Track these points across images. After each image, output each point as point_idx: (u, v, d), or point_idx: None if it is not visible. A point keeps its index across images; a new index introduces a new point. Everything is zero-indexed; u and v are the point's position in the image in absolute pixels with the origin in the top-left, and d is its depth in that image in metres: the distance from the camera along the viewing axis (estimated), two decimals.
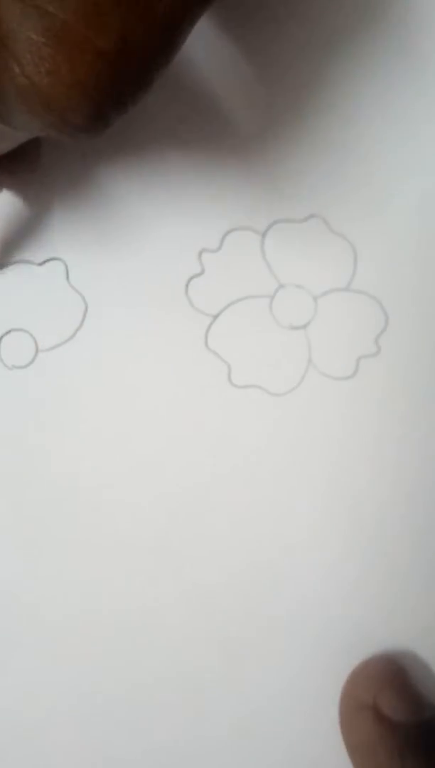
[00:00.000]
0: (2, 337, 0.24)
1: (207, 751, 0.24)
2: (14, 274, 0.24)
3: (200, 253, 0.24)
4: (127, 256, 0.24)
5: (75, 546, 0.24)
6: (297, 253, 0.24)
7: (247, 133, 0.24)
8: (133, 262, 0.24)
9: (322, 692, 0.24)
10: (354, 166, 0.24)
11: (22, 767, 0.25)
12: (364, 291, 0.24)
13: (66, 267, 0.24)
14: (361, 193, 0.24)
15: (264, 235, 0.24)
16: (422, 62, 0.24)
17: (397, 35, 0.24)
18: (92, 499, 0.24)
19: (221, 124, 0.24)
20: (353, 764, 0.23)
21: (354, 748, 0.23)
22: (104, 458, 0.24)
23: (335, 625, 0.24)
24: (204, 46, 0.23)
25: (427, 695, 0.23)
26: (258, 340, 0.24)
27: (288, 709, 0.24)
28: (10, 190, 0.23)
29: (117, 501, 0.24)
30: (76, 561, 0.24)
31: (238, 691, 0.24)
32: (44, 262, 0.24)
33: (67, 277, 0.24)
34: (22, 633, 0.24)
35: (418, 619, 0.24)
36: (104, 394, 0.24)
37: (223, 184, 0.24)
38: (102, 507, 0.24)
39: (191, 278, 0.24)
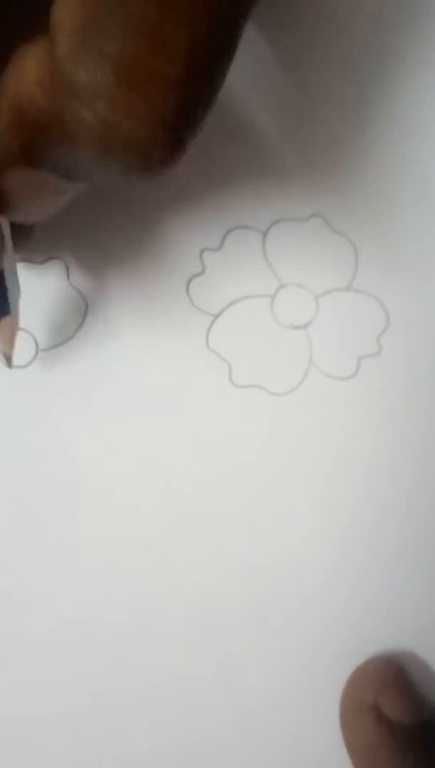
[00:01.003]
0: None
1: (207, 751, 0.24)
2: None
3: (201, 252, 0.24)
4: (128, 256, 0.24)
5: (75, 546, 0.24)
6: (298, 252, 0.24)
7: (248, 132, 0.24)
8: (134, 261, 0.24)
9: (323, 693, 0.24)
10: (356, 166, 0.24)
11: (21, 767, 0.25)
12: (365, 290, 0.24)
13: (66, 267, 0.24)
14: (362, 192, 0.24)
15: (265, 234, 0.24)
16: (423, 62, 0.24)
17: (397, 35, 0.23)
18: (92, 498, 0.24)
19: (222, 124, 0.24)
20: (354, 765, 0.23)
21: (355, 749, 0.23)
22: (104, 458, 0.24)
23: (336, 625, 0.24)
24: None
25: (428, 695, 0.23)
26: (259, 339, 0.24)
27: (288, 709, 0.24)
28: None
29: (117, 501, 0.24)
30: (76, 560, 0.24)
31: (238, 691, 0.24)
32: (44, 261, 0.24)
33: (67, 277, 0.24)
34: (22, 633, 0.24)
35: (418, 619, 0.24)
36: (104, 393, 0.24)
37: (224, 183, 0.24)
38: (102, 507, 0.24)
39: (192, 277, 0.24)
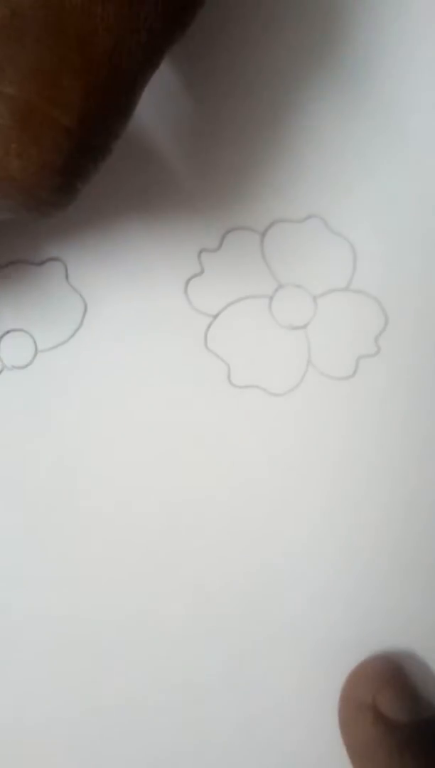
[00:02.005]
0: (2, 337, 0.24)
1: (207, 751, 0.24)
2: (14, 274, 0.24)
3: (200, 253, 0.24)
4: (127, 256, 0.24)
5: (74, 547, 0.24)
6: (296, 253, 0.24)
7: (247, 132, 0.24)
8: (133, 262, 0.24)
9: (322, 692, 0.24)
10: (354, 166, 0.24)
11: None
12: (363, 291, 0.24)
13: (66, 267, 0.24)
14: (360, 192, 0.24)
15: (263, 234, 0.24)
16: (423, 62, 0.24)
17: (396, 35, 0.24)
18: (92, 499, 0.24)
19: (221, 124, 0.24)
20: (353, 764, 0.23)
21: (353, 748, 0.23)
22: (104, 458, 0.24)
23: (335, 625, 0.24)
24: (203, 39, 0.23)
25: (427, 695, 0.23)
26: (258, 340, 0.24)
27: (287, 709, 0.24)
28: None
29: (116, 501, 0.24)
30: (75, 562, 0.24)
31: (238, 691, 0.24)
32: (44, 262, 0.24)
33: (67, 277, 0.24)
34: (22, 637, 0.24)
35: (417, 619, 0.24)
36: (103, 394, 0.24)
37: (222, 184, 0.24)
38: (102, 507, 0.24)
39: (191, 278, 0.24)
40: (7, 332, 0.24)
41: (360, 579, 0.24)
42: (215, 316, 0.24)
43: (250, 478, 0.24)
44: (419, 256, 0.24)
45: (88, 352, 0.24)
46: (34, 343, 0.24)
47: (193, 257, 0.24)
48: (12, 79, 0.15)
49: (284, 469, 0.24)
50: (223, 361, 0.24)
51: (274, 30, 0.23)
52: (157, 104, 0.23)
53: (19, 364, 0.24)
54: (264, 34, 0.23)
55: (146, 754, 0.24)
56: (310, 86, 0.24)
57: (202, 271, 0.24)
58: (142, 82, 0.16)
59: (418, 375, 0.24)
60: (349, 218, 0.24)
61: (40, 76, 0.15)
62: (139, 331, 0.24)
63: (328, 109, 0.24)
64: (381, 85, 0.24)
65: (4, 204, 0.16)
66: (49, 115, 0.15)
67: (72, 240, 0.24)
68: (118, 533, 0.24)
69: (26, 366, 0.24)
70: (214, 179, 0.24)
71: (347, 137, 0.24)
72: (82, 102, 0.15)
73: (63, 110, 0.15)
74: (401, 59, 0.24)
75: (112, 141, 0.17)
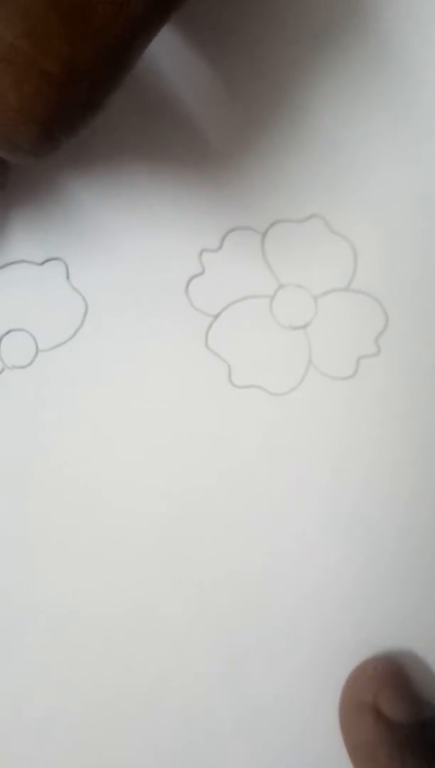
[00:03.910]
0: (2, 337, 0.24)
1: (207, 750, 0.24)
2: (14, 274, 0.24)
3: (200, 253, 0.24)
4: (128, 256, 0.24)
5: (74, 546, 0.24)
6: (297, 253, 0.24)
7: (248, 132, 0.24)
8: (134, 262, 0.24)
9: (322, 692, 0.24)
10: (354, 167, 0.24)
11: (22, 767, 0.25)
12: (364, 291, 0.24)
13: (66, 267, 0.24)
14: (361, 193, 0.24)
15: (264, 235, 0.24)
16: (423, 62, 0.24)
17: (396, 34, 0.24)
18: (91, 498, 0.24)
19: (222, 124, 0.24)
20: (353, 764, 0.23)
21: (354, 748, 0.23)
22: (104, 458, 0.24)
23: (335, 625, 0.24)
24: (200, 39, 0.23)
25: (427, 695, 0.23)
26: (258, 340, 0.24)
27: (288, 709, 0.24)
28: None
29: (117, 501, 0.24)
30: (75, 560, 0.24)
31: (237, 690, 0.24)
32: (44, 262, 0.24)
33: (67, 277, 0.24)
34: (22, 633, 0.24)
35: (418, 619, 0.24)
36: (104, 394, 0.24)
37: (223, 184, 0.24)
38: (101, 506, 0.24)
39: (191, 278, 0.24)
40: (8, 332, 0.24)
41: (360, 579, 0.24)
42: (216, 316, 0.24)
43: (250, 478, 0.24)
44: (420, 256, 0.24)
45: (89, 352, 0.24)
46: (35, 342, 0.24)
47: (193, 257, 0.24)
48: (4, 17, 0.14)
49: (284, 468, 0.24)
50: (223, 361, 0.24)
51: (275, 29, 0.23)
52: (158, 104, 0.23)
53: (19, 364, 0.24)
54: (265, 32, 0.23)
55: (145, 752, 0.24)
56: (312, 86, 0.24)
57: (202, 271, 0.24)
58: (140, 42, 0.16)
59: (418, 375, 0.24)
60: (350, 218, 0.24)
61: (29, 19, 0.14)
62: (140, 330, 0.24)
63: (329, 108, 0.24)
64: (382, 85, 0.24)
65: None
66: (33, 59, 0.14)
67: (72, 240, 0.24)
68: (118, 532, 0.24)
69: (27, 366, 0.24)
70: (215, 179, 0.24)
71: (349, 137, 0.24)
72: (69, 52, 0.14)
73: (48, 55, 0.14)
74: (403, 59, 0.24)
75: (102, 95, 0.16)
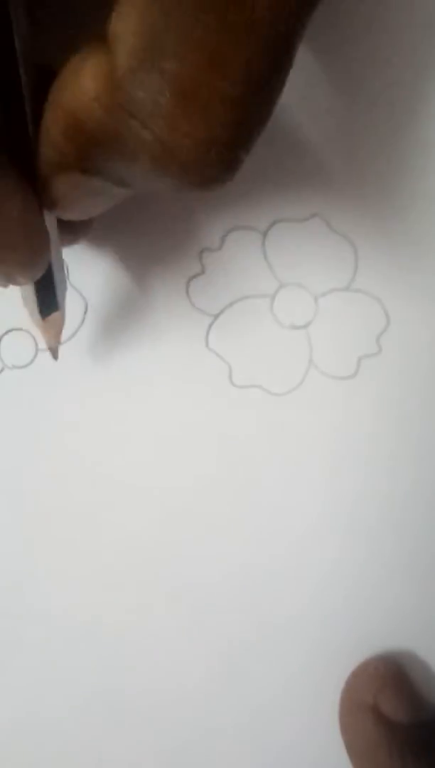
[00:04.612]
0: (2, 336, 0.24)
1: (207, 750, 0.24)
2: None
3: (201, 253, 0.24)
4: (128, 256, 0.24)
5: (74, 546, 0.24)
6: (298, 252, 0.24)
7: None
8: (134, 261, 0.24)
9: (323, 692, 0.24)
10: (355, 166, 0.24)
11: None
12: (365, 290, 0.24)
13: (67, 267, 0.24)
14: (362, 192, 0.24)
15: (265, 234, 0.24)
16: (422, 62, 0.24)
17: (396, 35, 0.23)
18: (92, 498, 0.24)
19: None
20: (353, 764, 0.23)
21: (354, 748, 0.23)
22: (104, 458, 0.24)
23: (335, 625, 0.24)
24: None
25: (427, 695, 0.23)
26: (259, 339, 0.24)
27: (288, 709, 0.24)
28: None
29: (117, 500, 0.24)
30: (75, 562, 0.24)
31: (238, 691, 0.24)
32: None
33: (68, 277, 0.24)
34: (22, 636, 0.25)
35: (418, 619, 0.24)
36: (104, 394, 0.24)
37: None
38: (102, 506, 0.24)
39: (192, 278, 0.24)
40: (8, 331, 0.24)
41: (360, 579, 0.24)
42: (216, 316, 0.24)
43: (250, 478, 0.24)
44: (421, 256, 0.24)
45: (89, 351, 0.24)
46: (35, 342, 0.24)
47: (194, 257, 0.24)
48: (172, 54, 0.14)
49: (284, 468, 0.24)
50: (224, 361, 0.24)
51: None
52: None
53: (19, 364, 0.24)
54: None
55: (145, 753, 0.24)
56: (312, 85, 0.23)
57: (203, 271, 0.24)
58: (299, 36, 0.15)
59: (419, 375, 0.24)
60: (351, 218, 0.24)
61: (201, 47, 0.14)
62: (140, 330, 0.24)
63: (329, 108, 0.24)
64: (382, 85, 0.24)
65: (167, 183, 0.16)
66: (214, 87, 0.14)
67: None
68: (117, 531, 0.24)
69: (26, 366, 0.24)
70: None
71: (350, 137, 0.24)
72: (245, 69, 0.14)
73: (227, 80, 0.14)
74: (403, 59, 0.24)
75: (274, 105, 0.16)
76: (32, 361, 0.24)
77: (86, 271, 0.24)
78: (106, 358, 0.24)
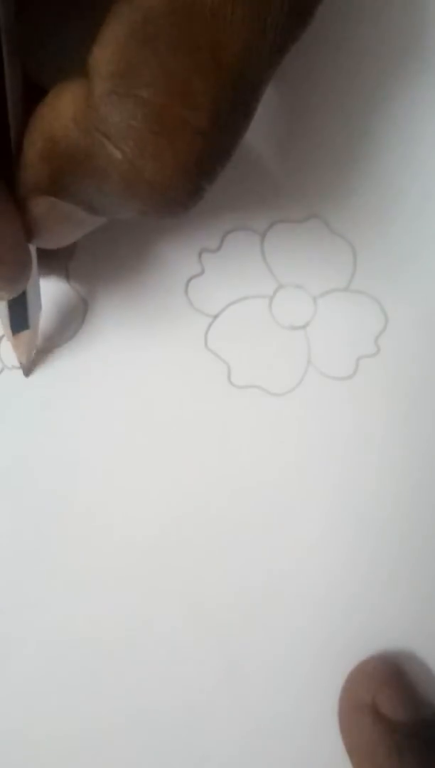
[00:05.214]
0: (2, 336, 0.24)
1: (206, 751, 0.24)
2: None
3: (200, 253, 0.24)
4: (127, 257, 0.24)
5: (73, 550, 0.24)
6: (297, 253, 0.24)
7: (247, 134, 0.24)
8: (133, 262, 0.24)
9: (321, 692, 0.24)
10: (354, 167, 0.24)
11: None
12: (363, 291, 0.24)
13: (66, 267, 0.24)
14: (361, 193, 0.24)
15: (264, 235, 0.24)
16: (422, 62, 0.24)
17: (396, 35, 0.24)
18: (91, 499, 0.24)
19: None
20: (352, 764, 0.23)
21: (353, 748, 0.23)
22: (104, 458, 0.24)
23: (335, 625, 0.24)
24: None
25: (426, 694, 0.23)
26: (258, 340, 0.24)
27: (287, 708, 0.24)
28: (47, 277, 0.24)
29: (116, 501, 0.24)
30: (74, 565, 0.24)
31: (237, 691, 0.24)
32: None
33: (67, 278, 0.24)
34: (20, 643, 0.24)
35: (417, 619, 0.24)
36: (104, 394, 0.24)
37: (223, 185, 0.24)
38: (101, 507, 0.24)
39: (191, 278, 0.24)
40: None
41: (360, 579, 0.24)
42: (215, 317, 0.24)
43: (250, 478, 0.24)
44: (419, 256, 0.24)
45: (89, 352, 0.24)
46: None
47: (193, 257, 0.24)
48: (146, 83, 0.15)
49: (284, 469, 0.24)
50: (223, 361, 0.24)
51: None
52: None
53: (18, 365, 0.24)
54: None
55: (145, 754, 0.24)
56: (311, 85, 0.24)
57: (202, 272, 0.24)
58: (266, 81, 0.16)
59: (418, 375, 0.24)
60: (350, 219, 0.24)
61: (173, 80, 0.15)
62: (140, 331, 0.24)
63: (329, 108, 0.24)
64: (382, 85, 0.24)
65: (134, 204, 0.17)
66: (182, 117, 0.15)
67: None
68: (117, 532, 0.24)
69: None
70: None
71: (348, 137, 0.24)
72: (212, 104, 0.15)
73: (195, 113, 0.15)
74: (403, 59, 0.24)
75: (238, 141, 0.17)
76: (32, 361, 0.24)
77: (86, 272, 0.24)
78: (105, 359, 0.24)
